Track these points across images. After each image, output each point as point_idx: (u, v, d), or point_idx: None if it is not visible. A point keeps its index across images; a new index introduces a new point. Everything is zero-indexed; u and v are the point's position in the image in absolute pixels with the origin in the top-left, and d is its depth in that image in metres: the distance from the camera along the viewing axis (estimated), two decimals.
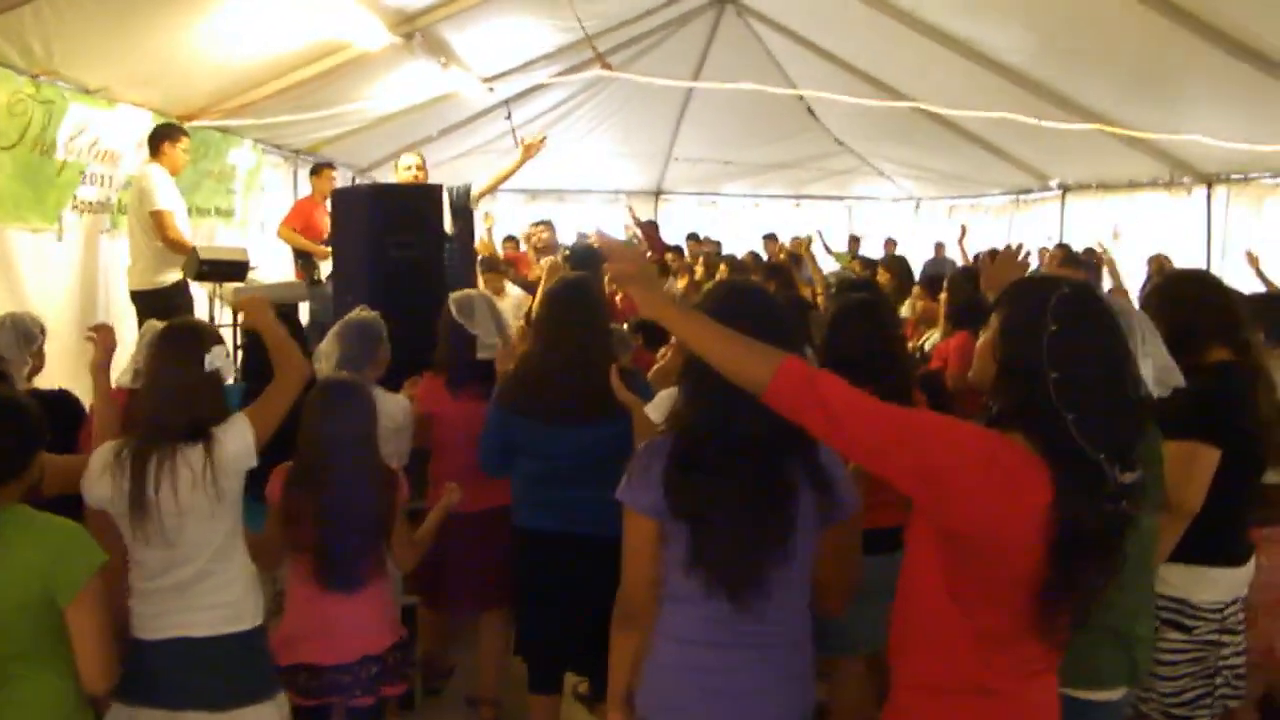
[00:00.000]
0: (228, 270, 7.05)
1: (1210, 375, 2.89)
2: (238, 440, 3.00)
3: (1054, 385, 2.02)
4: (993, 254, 7.37)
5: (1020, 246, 3.73)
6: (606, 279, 5.01)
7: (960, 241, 12.53)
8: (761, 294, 2.60)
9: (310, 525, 3.38)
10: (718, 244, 14.24)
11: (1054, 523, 1.98)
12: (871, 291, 4.66)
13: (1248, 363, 3.31)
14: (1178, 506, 3.06)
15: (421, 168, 7.22)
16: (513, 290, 8.50)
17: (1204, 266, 11.77)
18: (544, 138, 7.55)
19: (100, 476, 2.94)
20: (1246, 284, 7.79)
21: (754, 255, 11.92)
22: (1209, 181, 11.77)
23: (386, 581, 3.62)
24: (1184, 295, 3.39)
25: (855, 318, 3.75)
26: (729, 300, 2.47)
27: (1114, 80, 10.16)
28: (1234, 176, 11.33)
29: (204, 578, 2.99)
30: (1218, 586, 3.28)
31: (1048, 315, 2.06)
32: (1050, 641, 2.09)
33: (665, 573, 2.40)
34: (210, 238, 8.88)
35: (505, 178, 7.57)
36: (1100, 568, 2.06)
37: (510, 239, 12.93)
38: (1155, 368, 2.62)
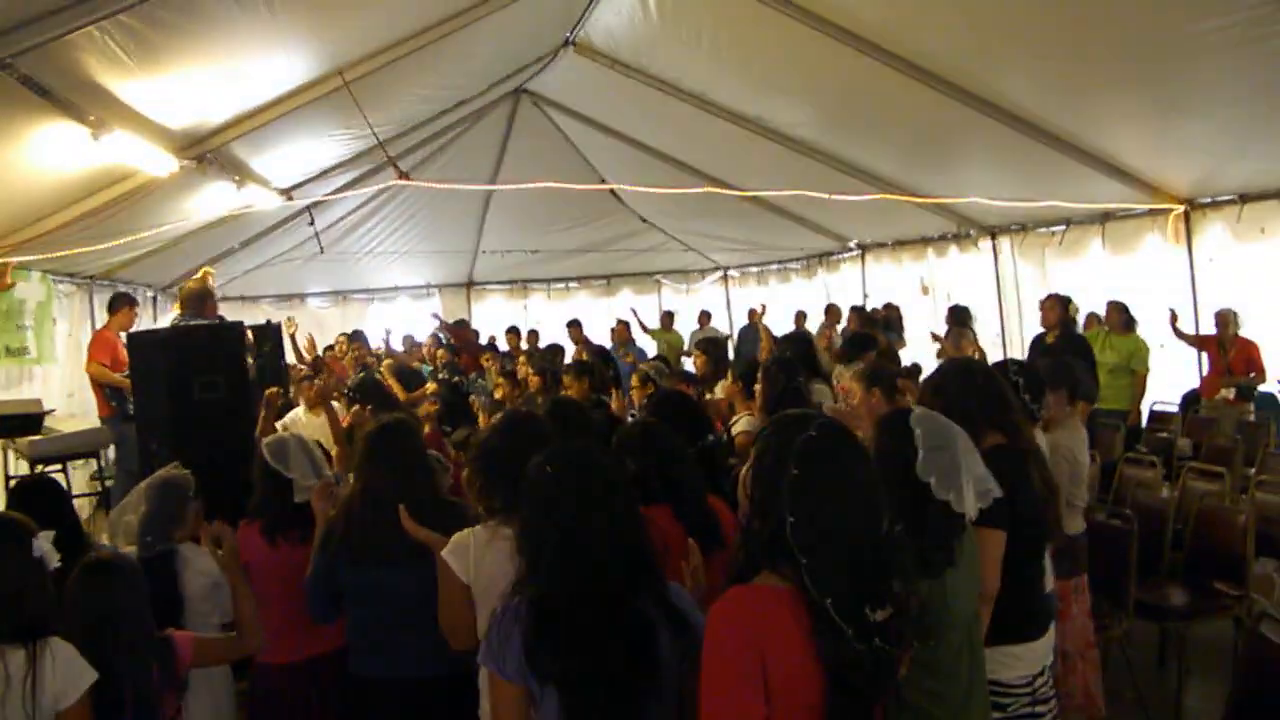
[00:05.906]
0: (20, 424, 6.67)
1: (986, 462, 3.02)
2: (68, 682, 2.73)
3: (791, 529, 2.10)
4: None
5: None
6: None
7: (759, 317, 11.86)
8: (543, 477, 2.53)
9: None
10: (535, 334, 14.16)
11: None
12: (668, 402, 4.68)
13: (1018, 444, 3.51)
14: (981, 593, 3.15)
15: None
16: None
17: (995, 310, 12.48)
18: None
19: None
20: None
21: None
22: (993, 234, 12.48)
23: None
24: (954, 387, 3.59)
25: (629, 448, 3.80)
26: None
27: (896, 147, 10.77)
28: (1014, 227, 12.02)
29: None
30: (1022, 661, 3.40)
31: (791, 458, 2.15)
32: None
33: None
34: (5, 380, 8.41)
35: None
36: (874, 697, 2.14)
37: (512, 330, 13.33)
38: (975, 479, 2.76)
